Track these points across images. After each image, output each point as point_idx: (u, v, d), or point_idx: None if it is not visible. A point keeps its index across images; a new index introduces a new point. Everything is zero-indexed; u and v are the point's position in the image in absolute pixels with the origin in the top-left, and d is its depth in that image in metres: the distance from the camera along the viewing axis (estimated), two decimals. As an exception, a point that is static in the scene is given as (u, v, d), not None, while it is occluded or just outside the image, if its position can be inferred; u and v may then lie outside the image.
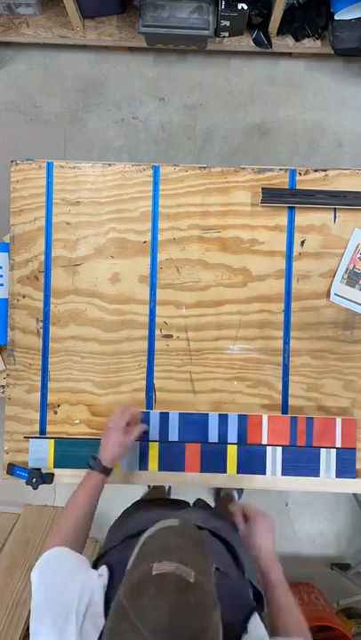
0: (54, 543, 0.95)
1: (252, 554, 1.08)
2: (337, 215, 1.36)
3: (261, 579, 1.06)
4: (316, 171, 1.36)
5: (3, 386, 1.45)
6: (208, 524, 1.11)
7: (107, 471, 1.15)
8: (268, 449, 1.33)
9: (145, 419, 1.33)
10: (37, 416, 1.36)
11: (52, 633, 0.77)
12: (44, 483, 1.31)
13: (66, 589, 0.82)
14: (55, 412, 1.36)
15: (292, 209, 1.36)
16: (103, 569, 0.87)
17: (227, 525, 1.17)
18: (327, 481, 1.32)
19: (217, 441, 1.33)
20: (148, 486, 1.99)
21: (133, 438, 1.22)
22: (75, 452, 1.34)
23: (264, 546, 1.08)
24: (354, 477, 1.32)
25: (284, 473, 1.32)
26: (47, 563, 0.90)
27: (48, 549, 0.93)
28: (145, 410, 1.34)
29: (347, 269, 1.35)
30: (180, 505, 1.36)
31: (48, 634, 0.77)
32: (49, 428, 1.36)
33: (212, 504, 1.26)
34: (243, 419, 1.33)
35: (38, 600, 0.83)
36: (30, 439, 1.34)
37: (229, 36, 2.20)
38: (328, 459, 1.32)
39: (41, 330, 1.37)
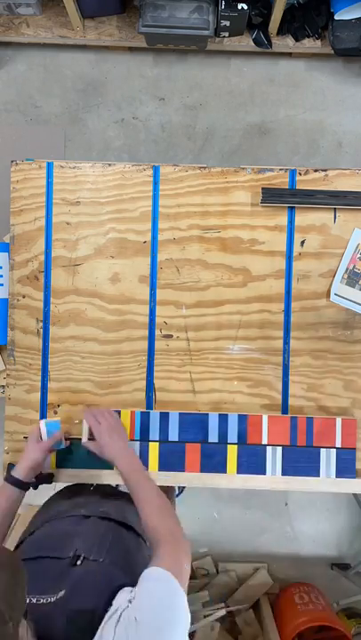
0: None
1: (111, 462, 1.18)
2: (337, 215, 1.36)
3: (125, 482, 1.13)
4: (316, 171, 1.36)
5: (3, 386, 1.45)
6: (115, 514, 1.13)
7: (19, 483, 1.15)
8: (268, 449, 1.33)
9: (145, 419, 1.33)
10: (37, 416, 1.36)
11: None
12: (43, 483, 1.30)
13: None
14: (55, 412, 1.36)
15: (292, 209, 1.36)
16: None
17: (124, 503, 1.21)
18: (327, 481, 1.32)
19: (217, 441, 1.33)
20: None
21: (47, 445, 1.23)
22: (76, 452, 1.34)
23: (108, 450, 1.18)
24: (354, 477, 1.32)
25: (284, 473, 1.32)
26: None
27: None
28: (147, 409, 1.34)
29: (347, 269, 1.35)
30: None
31: None
32: (49, 428, 1.36)
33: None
34: (243, 419, 1.33)
35: None
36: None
37: (229, 36, 2.20)
38: (328, 459, 1.32)
39: (41, 330, 1.37)
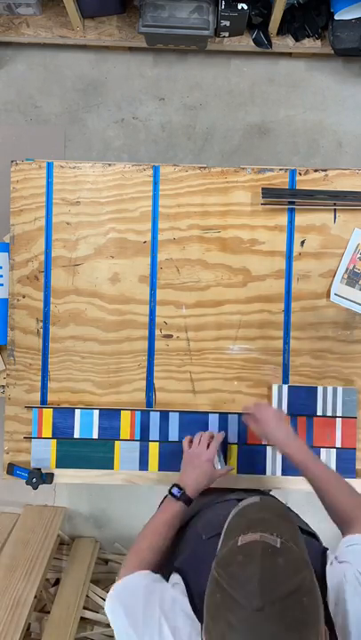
0: (131, 570, 0.93)
1: (279, 449, 1.14)
2: (337, 215, 1.36)
3: (298, 467, 1.11)
4: (316, 171, 1.36)
5: (3, 386, 1.45)
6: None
7: (189, 501, 1.10)
8: (269, 449, 1.33)
9: (145, 419, 1.33)
10: (37, 416, 1.36)
11: None
12: (44, 483, 1.31)
13: (146, 608, 0.80)
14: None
15: (292, 209, 1.36)
16: (175, 577, 0.87)
17: None
18: (327, 481, 1.32)
19: (217, 441, 1.33)
20: None
21: (220, 475, 1.17)
22: (76, 453, 1.34)
23: (278, 435, 1.13)
24: (354, 477, 1.32)
25: (284, 473, 1.32)
26: (120, 591, 0.88)
27: (122, 577, 0.91)
28: (147, 409, 1.34)
29: (347, 269, 1.35)
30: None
31: None
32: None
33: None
34: (243, 419, 1.33)
35: (121, 626, 0.81)
36: (32, 439, 1.35)
37: (229, 36, 2.20)
38: (328, 459, 1.32)
39: (41, 330, 1.37)
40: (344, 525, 0.99)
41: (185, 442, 1.21)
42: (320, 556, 0.87)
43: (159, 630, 0.77)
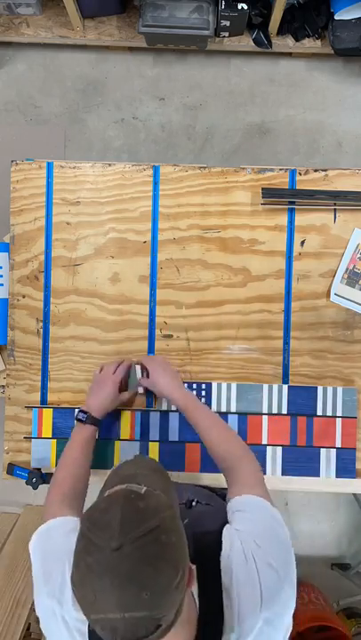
0: (53, 504, 0.98)
1: (165, 397, 1.22)
2: (337, 215, 1.36)
3: (183, 413, 1.17)
4: (316, 171, 1.36)
5: (3, 386, 1.45)
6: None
7: (97, 423, 1.16)
8: (268, 449, 1.33)
9: (145, 419, 1.33)
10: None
11: (51, 602, 0.79)
12: (44, 483, 1.30)
13: (58, 558, 0.83)
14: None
15: (292, 209, 1.36)
16: None
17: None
18: (327, 481, 1.32)
19: (217, 441, 1.33)
20: None
21: (124, 399, 1.27)
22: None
23: (163, 386, 1.20)
24: (354, 477, 1.32)
25: (284, 473, 1.32)
26: (41, 534, 0.91)
27: (46, 516, 0.95)
28: (147, 409, 1.34)
29: (347, 269, 1.35)
30: None
31: (48, 604, 0.80)
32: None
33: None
34: (243, 419, 1.33)
35: (36, 572, 0.85)
36: (32, 439, 1.35)
37: (229, 36, 2.20)
38: (328, 459, 1.32)
39: (41, 330, 1.37)
40: (226, 474, 1.03)
41: (96, 370, 1.28)
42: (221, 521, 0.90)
43: (61, 581, 0.80)
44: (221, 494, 1.20)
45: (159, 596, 0.61)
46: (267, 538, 0.83)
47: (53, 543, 0.88)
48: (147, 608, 0.60)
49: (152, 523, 0.64)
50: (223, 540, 0.82)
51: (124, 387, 1.30)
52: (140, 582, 0.60)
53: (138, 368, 1.31)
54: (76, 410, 1.19)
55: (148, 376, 1.26)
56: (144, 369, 1.29)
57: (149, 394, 1.33)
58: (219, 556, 0.79)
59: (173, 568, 0.63)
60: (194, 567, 0.71)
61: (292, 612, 0.77)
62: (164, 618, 0.61)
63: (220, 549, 0.80)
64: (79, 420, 1.16)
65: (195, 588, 0.77)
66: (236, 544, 0.81)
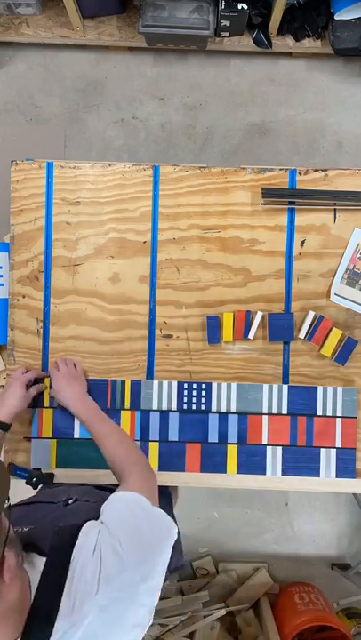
0: None
1: (68, 408, 1.23)
2: (337, 215, 1.36)
3: (83, 424, 1.19)
4: (316, 171, 1.36)
5: (3, 386, 1.45)
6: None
7: (4, 426, 1.18)
8: (269, 449, 1.33)
9: (145, 419, 1.33)
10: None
11: None
12: (44, 483, 1.30)
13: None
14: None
15: (291, 209, 1.36)
16: None
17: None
18: (327, 481, 1.32)
19: (217, 441, 1.33)
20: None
21: (32, 394, 1.28)
22: (76, 453, 1.34)
23: (67, 396, 1.23)
24: (354, 477, 1.32)
25: (284, 473, 1.32)
26: None
27: None
28: (147, 408, 1.34)
29: (347, 269, 1.35)
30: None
31: None
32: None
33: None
34: (243, 419, 1.33)
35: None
36: (32, 439, 1.35)
37: (229, 35, 2.20)
38: (328, 459, 1.32)
39: (41, 330, 1.37)
40: (118, 477, 1.04)
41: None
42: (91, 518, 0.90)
43: None
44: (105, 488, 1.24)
45: None
46: (123, 526, 0.82)
47: None
48: None
49: None
50: (81, 532, 0.81)
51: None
52: None
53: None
54: None
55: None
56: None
57: None
58: (72, 548, 0.78)
59: None
60: (12, 559, 0.69)
61: (142, 604, 0.75)
62: None
63: (76, 541, 0.79)
64: None
65: (35, 577, 0.75)
66: (91, 535, 0.80)
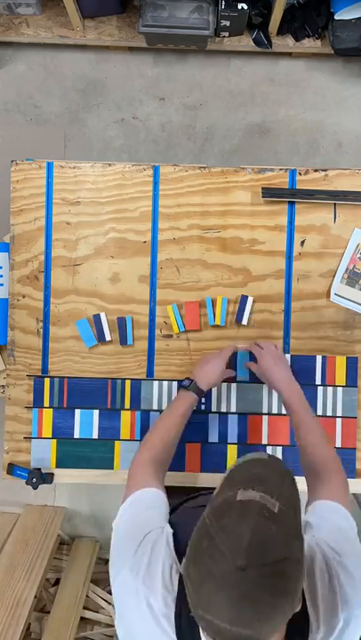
0: (140, 468, 1.00)
1: (274, 389, 1.20)
2: (337, 215, 1.36)
3: (287, 410, 1.16)
4: (316, 171, 1.36)
5: (3, 386, 1.45)
6: None
7: (200, 393, 1.17)
8: (268, 449, 1.33)
9: (145, 419, 1.33)
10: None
11: (134, 580, 0.80)
12: (44, 483, 1.31)
13: (141, 534, 0.86)
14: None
15: (292, 209, 1.36)
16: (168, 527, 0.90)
17: None
18: (327, 481, 1.32)
19: (217, 441, 1.33)
20: None
21: (228, 374, 1.27)
22: (76, 453, 1.34)
23: (276, 377, 1.19)
24: (354, 477, 1.32)
25: (284, 473, 1.32)
26: (131, 506, 0.93)
27: (133, 480, 0.98)
28: (147, 408, 1.34)
29: (347, 269, 1.35)
30: None
31: (130, 579, 0.81)
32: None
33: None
34: (243, 419, 1.33)
35: (118, 544, 0.87)
36: (32, 439, 1.35)
37: (229, 35, 2.20)
38: (328, 459, 1.32)
39: (41, 330, 1.37)
40: (311, 479, 1.03)
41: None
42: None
43: (147, 562, 0.82)
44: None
45: (270, 622, 0.63)
46: (343, 544, 0.85)
47: (142, 517, 0.90)
48: (254, 629, 0.62)
49: (281, 552, 0.64)
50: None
51: (230, 366, 1.30)
52: (256, 607, 0.61)
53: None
54: (184, 379, 1.21)
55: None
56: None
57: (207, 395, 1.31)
58: None
59: (291, 600, 0.64)
60: (300, 599, 0.72)
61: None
62: (266, 637, 0.64)
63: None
64: (182, 387, 1.18)
65: None
66: (315, 551, 0.83)
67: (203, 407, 1.34)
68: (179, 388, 1.22)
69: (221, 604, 0.62)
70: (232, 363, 1.32)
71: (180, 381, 1.22)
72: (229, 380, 1.32)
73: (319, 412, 1.33)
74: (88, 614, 1.88)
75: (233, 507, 0.67)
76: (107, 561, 2.13)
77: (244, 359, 1.33)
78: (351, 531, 0.89)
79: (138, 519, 0.90)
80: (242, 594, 0.61)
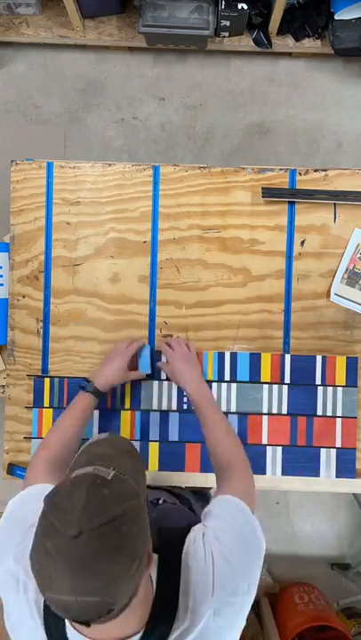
0: (38, 467, 1.02)
1: (183, 389, 1.23)
2: (337, 215, 1.36)
3: (193, 406, 1.19)
4: (316, 171, 1.36)
5: (3, 386, 1.45)
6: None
7: (98, 394, 1.18)
8: (268, 449, 1.33)
9: (145, 419, 1.33)
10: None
11: (17, 568, 0.80)
12: (44, 483, 1.30)
13: (31, 525, 0.83)
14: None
15: (292, 209, 1.36)
16: None
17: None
18: (327, 481, 1.32)
19: (217, 441, 1.33)
20: None
21: (131, 378, 1.27)
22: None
23: (184, 378, 1.22)
24: (354, 477, 1.32)
25: (284, 473, 1.32)
26: (21, 501, 0.93)
27: (29, 478, 1.00)
28: (147, 408, 1.34)
29: (347, 269, 1.35)
30: None
31: (13, 568, 0.80)
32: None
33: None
34: (243, 419, 1.33)
35: (2, 536, 0.87)
36: (32, 439, 1.35)
37: (229, 35, 2.20)
38: (328, 459, 1.32)
39: (41, 330, 1.37)
40: (219, 474, 1.05)
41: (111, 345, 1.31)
42: (189, 520, 0.95)
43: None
44: (179, 494, 1.27)
45: (112, 585, 0.62)
46: (230, 535, 0.85)
47: (28, 510, 0.88)
48: (99, 594, 0.61)
49: (114, 511, 0.64)
50: (188, 537, 0.84)
51: (135, 365, 1.30)
52: (94, 571, 0.61)
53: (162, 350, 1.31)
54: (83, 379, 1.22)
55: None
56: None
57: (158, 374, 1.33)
58: (181, 549, 0.82)
59: (130, 558, 0.64)
60: (155, 555, 0.73)
61: (244, 613, 0.80)
62: (116, 603, 0.63)
63: (183, 544, 0.83)
64: (81, 388, 1.18)
65: (153, 572, 0.78)
66: (198, 539, 0.84)
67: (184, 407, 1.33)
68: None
69: (61, 577, 0.61)
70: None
71: (79, 380, 1.22)
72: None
73: (319, 412, 1.33)
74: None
75: (66, 484, 0.68)
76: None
77: (238, 360, 1.33)
78: (246, 525, 0.88)
79: (22, 513, 0.89)
80: (77, 561, 0.61)
